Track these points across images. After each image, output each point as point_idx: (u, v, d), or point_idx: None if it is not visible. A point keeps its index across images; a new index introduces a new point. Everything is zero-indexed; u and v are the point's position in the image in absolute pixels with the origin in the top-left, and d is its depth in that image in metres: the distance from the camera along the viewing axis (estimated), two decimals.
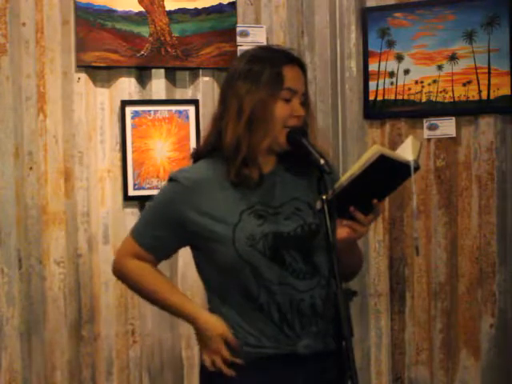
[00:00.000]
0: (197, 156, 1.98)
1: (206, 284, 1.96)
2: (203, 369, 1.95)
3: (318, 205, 1.77)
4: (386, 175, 1.77)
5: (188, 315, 1.93)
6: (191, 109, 3.03)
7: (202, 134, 2.02)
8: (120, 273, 2.02)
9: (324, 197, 1.75)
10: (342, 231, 1.82)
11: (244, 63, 1.90)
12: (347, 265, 1.91)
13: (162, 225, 1.92)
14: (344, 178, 1.78)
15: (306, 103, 1.92)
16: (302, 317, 1.86)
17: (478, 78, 3.07)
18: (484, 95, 3.07)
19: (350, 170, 1.79)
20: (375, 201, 1.80)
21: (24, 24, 2.85)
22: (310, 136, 1.88)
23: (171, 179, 1.94)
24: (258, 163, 1.88)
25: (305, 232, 1.88)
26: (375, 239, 3.24)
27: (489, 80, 3.06)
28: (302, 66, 1.93)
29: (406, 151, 1.78)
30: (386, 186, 1.83)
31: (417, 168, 1.76)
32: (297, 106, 1.88)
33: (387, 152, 1.74)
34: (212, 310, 1.94)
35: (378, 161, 1.72)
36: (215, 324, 1.88)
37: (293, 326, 1.85)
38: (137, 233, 1.98)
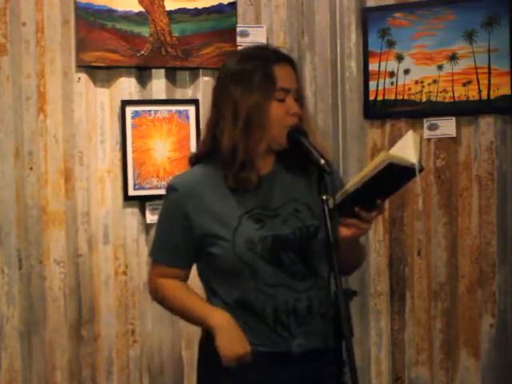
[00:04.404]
0: (194, 161, 1.98)
1: (205, 286, 1.97)
2: (202, 365, 1.96)
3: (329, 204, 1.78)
4: (392, 178, 1.78)
5: (215, 321, 1.89)
6: (191, 109, 3.03)
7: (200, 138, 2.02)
8: (155, 297, 2.03)
9: (324, 197, 1.76)
10: (346, 230, 1.82)
11: (234, 66, 1.90)
12: (350, 261, 1.92)
13: (173, 233, 1.93)
14: (350, 184, 1.78)
15: (299, 99, 1.91)
16: (297, 316, 1.86)
17: (478, 77, 3.07)
18: (484, 95, 3.07)
19: (356, 176, 1.79)
20: (379, 201, 1.81)
21: (24, 24, 2.85)
22: (307, 133, 1.87)
23: (169, 188, 1.94)
24: (256, 166, 1.88)
25: (303, 234, 1.88)
26: (375, 239, 3.24)
27: (489, 80, 3.06)
28: (291, 63, 1.92)
29: (408, 149, 1.77)
30: (390, 188, 1.84)
31: (421, 169, 1.77)
32: (291, 103, 1.88)
33: (395, 159, 1.74)
34: None
35: (385, 168, 1.73)
36: (244, 339, 1.86)
37: (287, 326, 1.86)
38: (153, 253, 2.01)
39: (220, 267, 1.88)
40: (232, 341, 1.86)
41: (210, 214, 1.87)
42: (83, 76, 2.94)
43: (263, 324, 1.86)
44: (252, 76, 1.85)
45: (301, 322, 1.86)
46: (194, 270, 2.00)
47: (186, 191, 1.90)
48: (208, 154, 1.92)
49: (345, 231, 1.82)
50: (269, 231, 1.86)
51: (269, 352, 1.86)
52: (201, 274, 1.97)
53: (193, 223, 1.88)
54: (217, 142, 1.88)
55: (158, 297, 2.02)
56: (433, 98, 3.13)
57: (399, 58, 3.17)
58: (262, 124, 1.84)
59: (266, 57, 1.89)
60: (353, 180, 1.79)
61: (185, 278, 2.00)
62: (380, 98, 3.20)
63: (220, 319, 1.88)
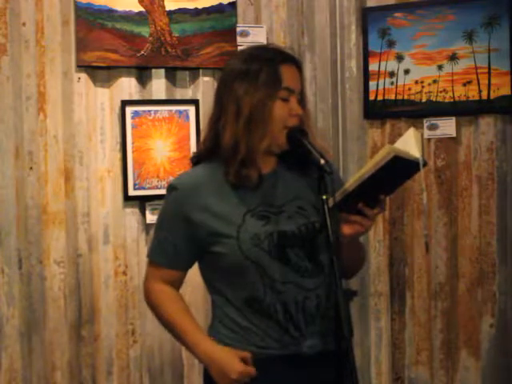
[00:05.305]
0: (196, 160, 1.98)
1: (210, 287, 1.96)
2: (207, 377, 1.94)
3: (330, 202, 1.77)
4: (395, 173, 1.78)
5: (201, 354, 1.89)
6: (191, 109, 3.03)
7: (201, 136, 2.01)
8: (147, 302, 2.01)
9: (324, 197, 1.76)
10: (349, 227, 1.82)
11: (240, 63, 1.89)
12: (351, 262, 1.92)
13: (173, 233, 1.91)
14: (353, 179, 1.78)
15: (302, 101, 1.91)
16: (307, 316, 1.85)
17: (478, 77, 3.07)
18: (484, 95, 3.07)
19: (359, 171, 1.79)
20: (382, 196, 1.81)
21: (24, 24, 2.85)
22: (308, 134, 1.87)
23: (170, 188, 1.93)
24: (257, 164, 1.87)
25: (309, 230, 1.88)
26: (375, 239, 3.24)
27: (489, 80, 3.06)
28: (297, 64, 1.92)
29: (410, 144, 1.78)
30: (393, 183, 1.84)
31: (425, 164, 1.78)
32: (295, 105, 1.88)
33: (400, 152, 1.74)
34: (216, 312, 1.94)
35: (390, 161, 1.73)
36: (231, 362, 1.83)
37: (298, 325, 1.85)
38: (152, 254, 1.98)
39: (225, 266, 1.87)
40: (223, 370, 1.83)
41: (212, 213, 1.86)
42: (83, 76, 2.94)
43: (275, 323, 1.84)
44: (258, 74, 1.85)
45: (310, 321, 1.86)
46: (195, 270, 2.00)
47: (187, 191, 1.89)
48: (209, 151, 1.92)
49: (347, 229, 1.82)
50: (274, 227, 1.86)
51: (278, 355, 1.85)
52: (204, 276, 1.96)
53: (194, 223, 1.87)
54: (218, 139, 1.88)
55: (151, 304, 2.00)
56: (433, 98, 3.13)
57: (399, 58, 3.17)
58: (265, 121, 1.84)
59: (272, 56, 1.89)
60: (356, 175, 1.78)
61: (182, 280, 1.99)
62: (380, 98, 3.20)
63: (205, 351, 1.86)
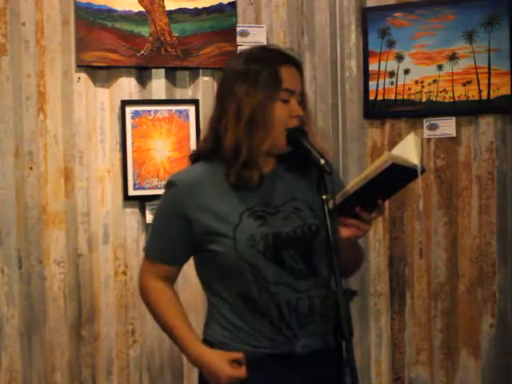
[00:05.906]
0: (195, 158, 1.98)
1: (205, 286, 1.96)
2: (202, 379, 1.95)
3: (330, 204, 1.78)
4: (394, 179, 1.79)
5: (193, 357, 1.92)
6: (191, 109, 3.03)
7: (201, 136, 2.01)
8: (142, 298, 2.02)
9: (324, 197, 1.76)
10: (346, 230, 1.83)
11: (241, 64, 1.89)
12: (349, 263, 1.92)
13: (170, 230, 1.92)
14: (351, 184, 1.79)
15: (302, 102, 1.92)
16: (300, 316, 1.86)
17: (478, 77, 3.07)
18: (484, 95, 3.07)
19: (357, 176, 1.80)
20: (380, 201, 1.81)
21: (24, 24, 2.85)
22: (309, 135, 1.88)
23: (169, 184, 1.93)
24: (259, 165, 1.88)
25: (304, 233, 1.88)
26: (375, 239, 3.24)
27: (489, 80, 3.06)
28: (298, 66, 1.92)
29: (409, 150, 1.78)
30: (391, 188, 1.85)
31: (423, 171, 1.78)
32: (295, 106, 1.88)
33: (398, 159, 1.74)
34: (211, 311, 1.94)
35: (387, 168, 1.73)
36: (221, 366, 1.86)
37: (290, 325, 1.85)
38: (149, 249, 1.98)
39: (221, 264, 1.87)
40: (213, 374, 1.86)
41: (209, 211, 1.86)
42: (83, 76, 2.94)
43: (268, 323, 1.85)
44: (258, 75, 1.85)
45: (303, 322, 1.86)
46: (193, 269, 2.00)
47: (186, 187, 1.89)
48: (210, 151, 1.92)
49: (345, 232, 1.82)
50: (269, 228, 1.86)
51: (272, 354, 1.85)
52: (200, 275, 1.96)
53: (191, 220, 1.87)
54: (219, 140, 1.88)
55: (147, 301, 2.00)
56: (433, 98, 3.13)
57: (399, 58, 3.17)
58: (265, 123, 1.84)
59: (272, 57, 1.89)
60: (354, 180, 1.79)
61: (177, 275, 2.00)
62: (380, 97, 3.20)
63: (197, 355, 1.89)
